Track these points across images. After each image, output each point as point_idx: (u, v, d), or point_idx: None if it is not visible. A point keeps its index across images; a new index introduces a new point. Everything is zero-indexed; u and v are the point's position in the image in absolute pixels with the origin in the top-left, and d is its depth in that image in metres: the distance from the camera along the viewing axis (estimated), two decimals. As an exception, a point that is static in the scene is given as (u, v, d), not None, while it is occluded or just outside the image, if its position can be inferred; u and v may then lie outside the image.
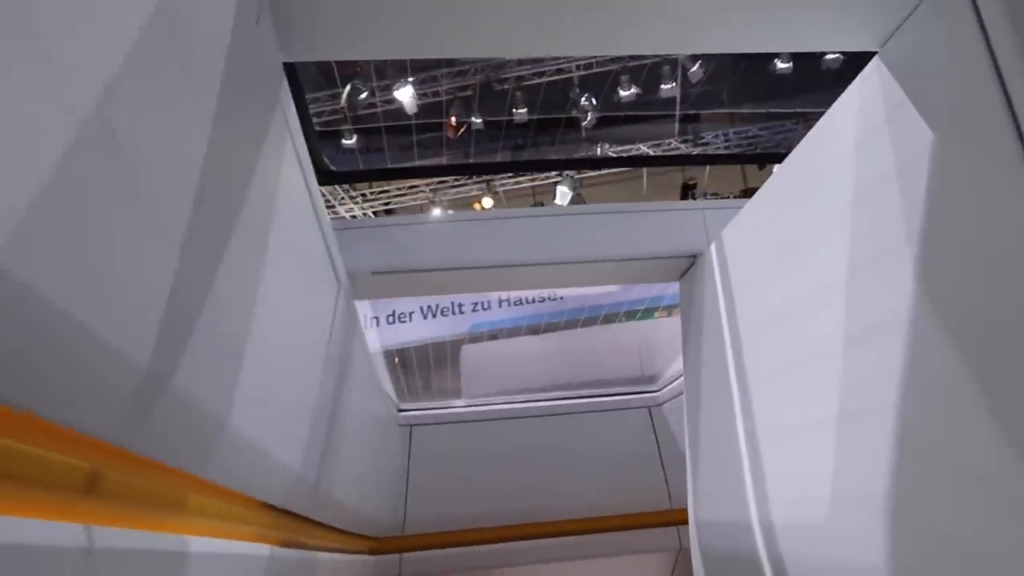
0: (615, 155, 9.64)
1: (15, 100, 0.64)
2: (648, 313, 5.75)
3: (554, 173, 9.89)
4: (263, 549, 1.76)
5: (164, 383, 1.02)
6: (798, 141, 1.85)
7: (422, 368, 6.08)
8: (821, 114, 1.73)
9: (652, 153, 9.87)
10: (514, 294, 6.52)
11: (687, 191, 10.10)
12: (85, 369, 0.84)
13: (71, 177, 0.72)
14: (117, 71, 0.80)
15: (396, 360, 6.19)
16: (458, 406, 4.14)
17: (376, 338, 6.14)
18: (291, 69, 1.73)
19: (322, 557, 2.47)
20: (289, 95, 1.61)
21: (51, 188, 0.69)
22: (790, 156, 1.87)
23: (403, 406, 4.08)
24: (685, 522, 3.32)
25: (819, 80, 7.95)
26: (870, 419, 1.35)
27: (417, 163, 8.74)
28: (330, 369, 2.15)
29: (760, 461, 1.91)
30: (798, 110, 9.05)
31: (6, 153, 0.64)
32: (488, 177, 10.33)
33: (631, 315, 5.69)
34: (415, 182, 10.43)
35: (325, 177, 2.39)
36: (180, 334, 1.04)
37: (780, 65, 7.97)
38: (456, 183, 10.61)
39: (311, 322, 1.97)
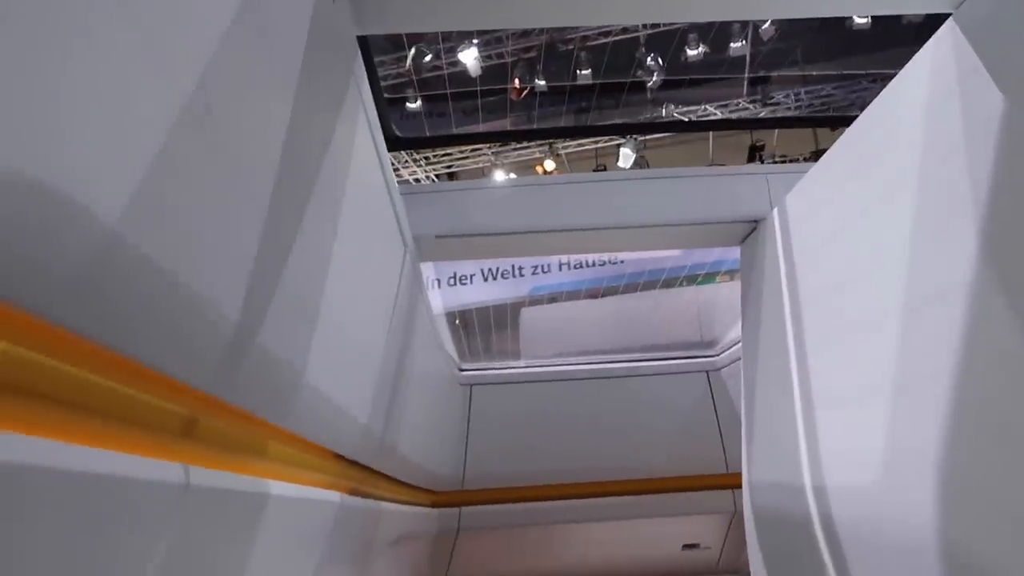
0: (681, 118, 9.44)
1: (128, 80, 0.72)
2: (709, 278, 5.70)
3: (618, 135, 9.77)
4: (333, 496, 1.88)
5: (251, 338, 1.11)
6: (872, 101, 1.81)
7: (483, 330, 6.18)
8: (896, 73, 1.69)
9: (719, 115, 9.64)
10: (574, 258, 6.54)
11: (754, 153, 9.84)
12: (185, 323, 0.93)
13: (174, 151, 0.80)
14: (211, 50, 0.87)
15: (457, 322, 6.31)
16: (517, 367, 4.22)
17: (438, 300, 6.27)
18: (363, 40, 1.79)
19: (387, 507, 2.59)
20: (362, 67, 1.67)
21: (158, 161, 0.77)
22: (858, 119, 1.84)
23: (463, 366, 4.19)
24: (740, 486, 3.35)
25: (898, 36, 7.60)
26: (928, 385, 1.36)
27: (481, 128, 8.75)
28: (396, 329, 2.25)
29: (815, 425, 1.93)
30: (873, 70, 8.67)
31: (120, 128, 0.72)
32: (550, 139, 10.28)
33: (692, 280, 5.66)
34: (477, 145, 10.47)
35: (393, 144, 2.46)
36: (265, 293, 1.12)
37: (857, 20, 7.63)
38: (518, 146, 10.60)
39: (379, 283, 2.05)
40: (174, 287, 0.86)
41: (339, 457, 1.93)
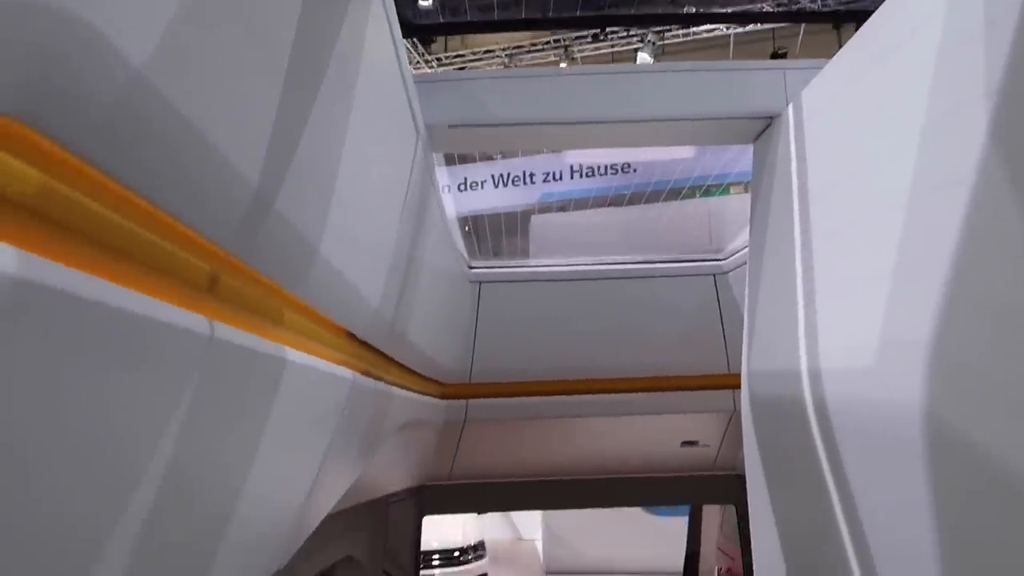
0: (701, 10, 9.13)
1: None
2: (724, 190, 5.66)
3: (635, 40, 9.49)
4: (346, 372, 1.96)
5: (268, 203, 1.14)
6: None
7: (493, 235, 6.22)
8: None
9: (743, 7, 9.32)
10: (585, 163, 6.49)
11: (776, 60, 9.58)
12: (207, 179, 0.96)
13: (205, 16, 0.82)
14: None
15: (467, 228, 6.33)
16: (526, 266, 4.27)
17: (449, 204, 6.28)
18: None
19: (397, 392, 2.70)
20: None
21: (183, 6, 0.79)
22: (878, 9, 1.80)
23: (473, 264, 4.24)
24: (740, 385, 3.45)
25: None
26: (926, 270, 1.39)
27: (496, 16, 8.51)
28: (407, 216, 2.28)
29: (815, 312, 1.97)
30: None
31: None
32: (566, 42, 10.00)
33: (704, 190, 5.63)
34: (491, 45, 10.21)
35: (408, 30, 2.43)
36: (281, 160, 1.15)
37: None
38: (533, 48, 10.32)
39: (392, 167, 2.07)
40: (198, 141, 0.89)
41: (352, 337, 1.99)
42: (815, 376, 1.92)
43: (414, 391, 3.06)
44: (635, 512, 11.71)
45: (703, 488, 4.39)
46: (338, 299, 1.74)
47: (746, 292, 2.80)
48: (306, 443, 1.69)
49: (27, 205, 0.67)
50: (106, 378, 0.80)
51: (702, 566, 7.29)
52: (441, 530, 9.64)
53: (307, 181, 1.31)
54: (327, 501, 2.10)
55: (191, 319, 0.99)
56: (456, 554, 9.95)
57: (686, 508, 7.90)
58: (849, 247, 1.85)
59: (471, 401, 3.67)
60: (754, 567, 2.59)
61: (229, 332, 1.12)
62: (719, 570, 7.28)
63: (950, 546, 1.24)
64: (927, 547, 1.27)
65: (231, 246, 1.10)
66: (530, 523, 13.50)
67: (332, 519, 2.82)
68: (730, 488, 4.32)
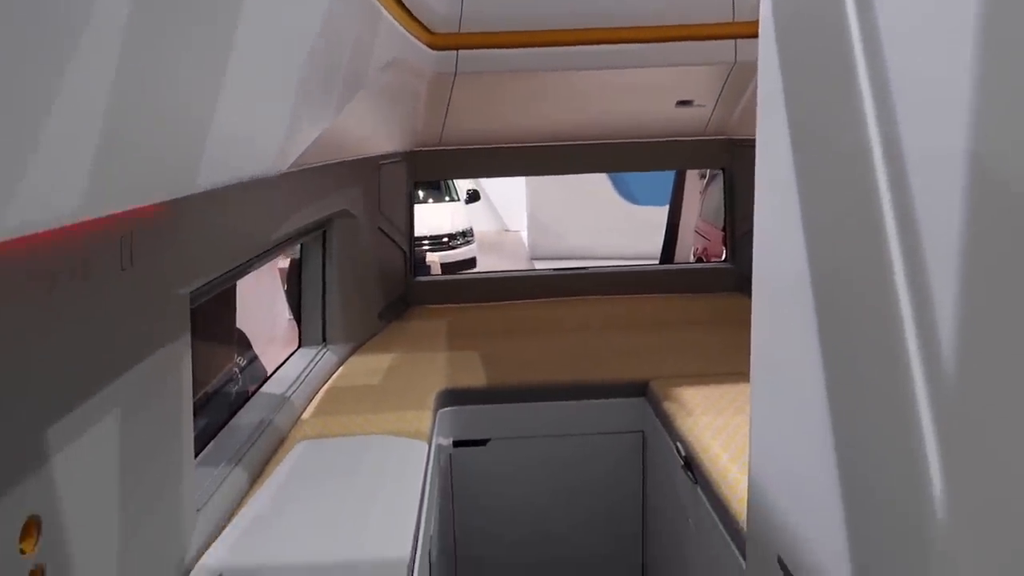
0: None
1: None
2: None
3: None
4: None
5: None
6: None
7: None
8: None
9: None
10: None
11: None
12: None
13: None
14: None
15: None
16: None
17: None
18: None
19: (384, 15, 2.49)
20: None
21: None
22: None
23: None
24: (743, 35, 3.29)
25: None
26: None
27: None
28: None
29: None
30: None
31: None
32: None
33: None
34: None
35: None
36: None
37: None
38: None
39: None
40: None
41: None
42: None
43: (401, 24, 2.87)
44: (615, 200, 12.13)
45: (694, 153, 4.40)
46: None
47: None
48: (288, 54, 1.57)
49: None
50: None
51: (679, 249, 7.69)
52: (431, 223, 10.00)
53: None
54: (314, 126, 2.05)
55: None
56: (445, 239, 10.45)
57: (665, 197, 8.10)
58: None
59: (461, 52, 3.50)
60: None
61: None
62: (696, 250, 7.71)
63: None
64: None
65: None
66: (516, 216, 14.06)
67: (325, 171, 2.82)
68: (721, 153, 4.34)
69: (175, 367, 1.60)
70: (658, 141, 4.31)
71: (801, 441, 1.23)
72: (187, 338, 1.67)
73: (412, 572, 1.73)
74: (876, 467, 0.97)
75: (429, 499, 2.25)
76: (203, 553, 1.72)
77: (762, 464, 1.41)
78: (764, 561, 1.41)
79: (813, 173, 1.18)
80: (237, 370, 3.31)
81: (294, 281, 3.73)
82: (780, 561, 1.33)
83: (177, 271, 1.62)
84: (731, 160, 4.32)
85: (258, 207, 2.22)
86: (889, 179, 0.92)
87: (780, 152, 1.27)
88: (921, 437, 0.84)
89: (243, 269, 2.26)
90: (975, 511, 0.80)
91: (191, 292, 1.70)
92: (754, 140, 1.41)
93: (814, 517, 1.18)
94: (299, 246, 3.31)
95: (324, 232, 3.30)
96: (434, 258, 10.23)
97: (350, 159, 3.20)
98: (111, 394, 1.31)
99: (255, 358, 3.62)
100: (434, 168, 4.44)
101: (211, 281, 1.89)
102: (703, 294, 4.23)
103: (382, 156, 3.86)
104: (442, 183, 11.11)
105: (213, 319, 3.20)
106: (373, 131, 3.29)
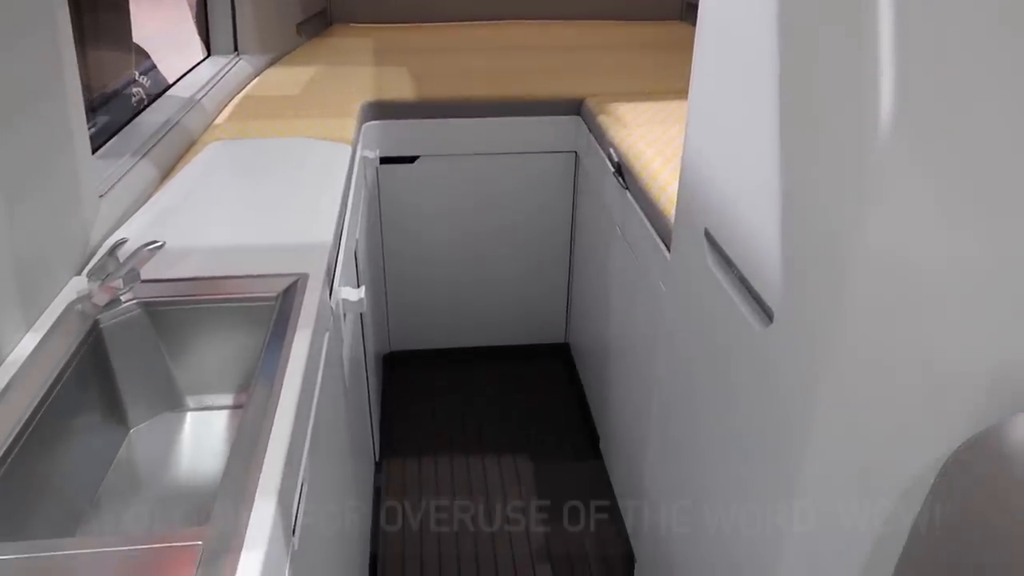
0: None
1: None
2: None
3: None
4: None
5: None
6: None
7: None
8: None
9: None
10: None
11: None
12: None
13: None
14: None
15: None
16: None
17: None
18: None
19: None
20: None
21: None
22: None
23: None
24: None
25: None
26: None
27: None
28: None
29: None
30: None
31: None
32: None
33: None
34: None
35: None
36: None
37: None
38: None
39: None
40: None
41: None
42: None
43: None
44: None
45: None
46: None
47: None
48: None
49: None
50: None
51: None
52: None
53: None
54: None
55: None
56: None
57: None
58: None
59: None
60: None
61: None
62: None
63: None
64: None
65: None
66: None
67: None
68: None
69: (56, 53, 1.39)
70: None
71: (736, 115, 1.16)
72: (68, 28, 1.44)
73: (336, 262, 1.70)
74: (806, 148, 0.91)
75: (354, 203, 2.18)
76: (111, 235, 1.64)
77: (697, 137, 1.36)
78: (691, 234, 1.41)
79: None
80: (137, 75, 3.01)
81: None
82: (707, 233, 1.33)
83: None
84: None
85: None
86: None
87: None
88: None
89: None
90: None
91: None
92: None
93: (744, 192, 1.15)
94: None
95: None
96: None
97: None
98: None
99: (154, 66, 3.30)
100: None
101: None
102: (648, 21, 4.02)
103: None
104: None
105: (104, 28, 2.83)
106: None
